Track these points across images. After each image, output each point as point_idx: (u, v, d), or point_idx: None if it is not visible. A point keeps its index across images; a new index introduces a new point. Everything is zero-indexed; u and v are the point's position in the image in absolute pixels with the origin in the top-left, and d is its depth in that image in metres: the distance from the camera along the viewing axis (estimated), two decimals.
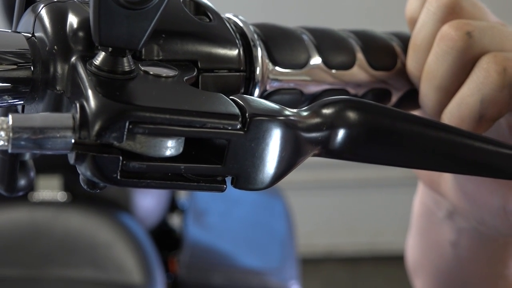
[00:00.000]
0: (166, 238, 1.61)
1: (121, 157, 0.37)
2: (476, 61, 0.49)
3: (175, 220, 1.68)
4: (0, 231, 1.35)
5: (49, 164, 1.38)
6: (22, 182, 0.50)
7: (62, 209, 1.39)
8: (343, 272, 2.69)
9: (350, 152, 0.43)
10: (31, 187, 0.51)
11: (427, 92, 0.51)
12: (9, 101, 0.43)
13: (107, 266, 1.32)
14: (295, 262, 1.55)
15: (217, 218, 1.61)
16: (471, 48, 0.49)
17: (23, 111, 0.45)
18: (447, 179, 0.57)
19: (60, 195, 1.42)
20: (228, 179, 0.41)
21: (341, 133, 0.42)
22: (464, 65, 0.50)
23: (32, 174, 0.50)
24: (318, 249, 2.69)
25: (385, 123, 0.43)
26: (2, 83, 0.42)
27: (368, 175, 2.63)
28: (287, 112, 0.41)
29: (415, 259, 0.70)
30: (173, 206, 1.67)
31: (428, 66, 0.51)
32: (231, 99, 0.41)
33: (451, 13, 0.51)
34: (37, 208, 1.39)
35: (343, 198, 2.70)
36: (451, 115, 0.50)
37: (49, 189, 1.42)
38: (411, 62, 0.52)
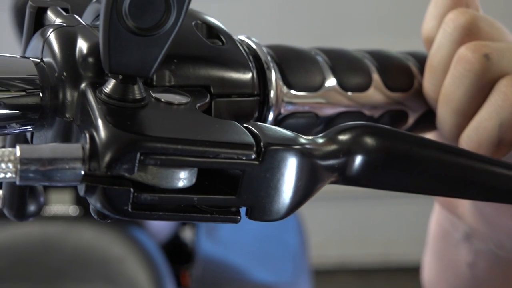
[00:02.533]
0: (178, 252, 1.60)
1: (132, 189, 0.36)
2: (494, 83, 0.48)
3: (187, 234, 1.67)
4: (12, 245, 1.35)
5: None
6: (32, 207, 0.49)
7: (74, 224, 1.38)
8: (356, 283, 2.67)
9: (368, 178, 0.42)
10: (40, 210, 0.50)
11: (444, 115, 0.50)
12: (18, 128, 0.42)
13: (119, 281, 1.32)
14: (308, 275, 1.53)
15: (229, 232, 1.60)
16: (488, 71, 0.48)
17: (32, 138, 0.44)
18: (464, 202, 0.56)
19: (72, 209, 1.41)
20: (243, 209, 0.40)
21: (358, 160, 0.41)
22: (481, 88, 0.48)
23: (42, 199, 0.49)
24: (330, 260, 2.68)
25: (404, 149, 0.42)
26: (11, 110, 0.41)
27: None
28: (302, 140, 0.40)
29: (431, 279, 0.69)
30: None
31: (445, 88, 0.50)
32: (245, 127, 0.40)
33: (468, 34, 0.49)
34: (49, 222, 1.38)
35: (355, 209, 2.69)
36: (469, 139, 0.49)
37: (61, 203, 1.41)
38: (428, 84, 0.51)
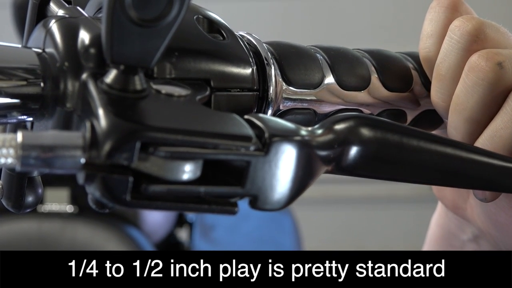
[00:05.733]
0: None
1: (131, 178, 0.37)
2: (508, 92, 0.48)
3: (182, 234, 1.67)
4: (8, 241, 1.35)
5: (57, 177, 1.38)
6: (30, 198, 0.49)
7: (70, 221, 1.38)
8: None
9: (362, 168, 0.43)
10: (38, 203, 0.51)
11: (457, 124, 0.50)
12: (18, 117, 0.42)
13: None
14: None
15: (224, 233, 1.61)
16: (502, 79, 0.48)
17: (32, 127, 0.44)
18: (473, 205, 0.55)
19: (68, 208, 1.41)
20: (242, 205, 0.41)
21: (353, 150, 0.42)
22: (495, 96, 0.48)
23: (40, 190, 0.49)
24: None
25: (398, 140, 0.43)
26: (12, 99, 0.41)
27: (376, 191, 2.62)
28: (302, 132, 0.41)
29: None
30: (181, 220, 1.67)
31: (457, 97, 0.49)
32: (247, 119, 0.40)
33: (475, 41, 0.49)
34: (45, 219, 1.38)
35: (351, 213, 2.69)
36: (483, 148, 0.49)
37: (57, 202, 1.41)
38: (436, 93, 0.51)
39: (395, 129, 0.43)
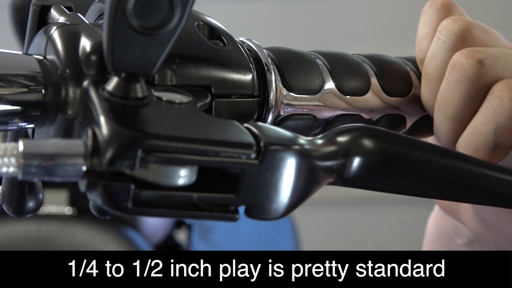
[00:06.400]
0: None
1: (132, 186, 0.37)
2: (489, 89, 0.49)
3: (181, 236, 1.67)
4: (7, 243, 1.35)
5: None
6: (31, 204, 0.49)
7: (68, 223, 1.38)
8: None
9: (366, 180, 0.43)
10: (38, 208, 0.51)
11: (441, 121, 0.50)
12: (19, 124, 0.42)
13: None
14: None
15: (223, 235, 1.61)
16: (483, 76, 0.48)
17: (33, 134, 0.45)
18: (466, 208, 0.56)
19: (66, 210, 1.41)
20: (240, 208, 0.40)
21: (356, 162, 0.42)
22: (477, 93, 0.49)
23: (40, 196, 0.49)
24: None
25: (401, 152, 0.43)
26: (13, 106, 0.41)
27: (375, 192, 2.61)
28: (301, 141, 0.41)
29: None
30: (179, 222, 1.66)
31: (440, 95, 0.50)
32: (245, 127, 0.40)
33: (462, 41, 0.50)
34: (43, 221, 1.38)
35: (349, 214, 2.69)
36: (466, 145, 0.49)
37: (56, 204, 1.41)
38: (424, 92, 0.52)
39: (401, 140, 0.43)
